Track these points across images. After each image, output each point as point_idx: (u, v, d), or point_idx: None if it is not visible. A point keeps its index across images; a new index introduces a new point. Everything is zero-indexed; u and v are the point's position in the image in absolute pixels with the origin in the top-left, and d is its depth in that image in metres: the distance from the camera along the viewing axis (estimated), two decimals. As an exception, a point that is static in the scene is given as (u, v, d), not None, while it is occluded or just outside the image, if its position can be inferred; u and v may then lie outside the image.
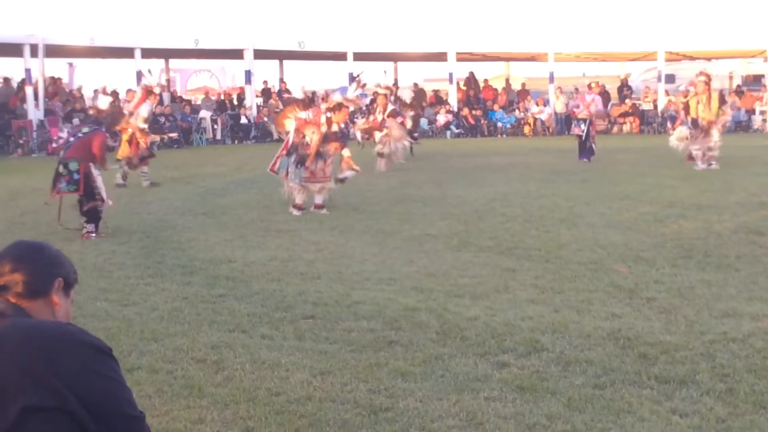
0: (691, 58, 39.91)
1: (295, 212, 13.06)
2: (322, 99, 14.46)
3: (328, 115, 13.48)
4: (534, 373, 5.66)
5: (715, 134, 19.00)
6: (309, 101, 14.13)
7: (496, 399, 5.24)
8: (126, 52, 32.10)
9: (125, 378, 2.55)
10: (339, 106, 13.69)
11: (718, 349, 6.04)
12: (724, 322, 6.74)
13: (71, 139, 11.88)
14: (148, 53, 33.00)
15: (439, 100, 37.08)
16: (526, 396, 5.27)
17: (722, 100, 20.07)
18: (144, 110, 17.55)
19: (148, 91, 17.93)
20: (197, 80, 44.61)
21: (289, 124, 13.68)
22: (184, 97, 38.13)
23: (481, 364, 5.85)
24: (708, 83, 19.27)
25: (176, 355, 6.25)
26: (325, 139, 13.45)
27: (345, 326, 6.85)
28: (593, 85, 23.28)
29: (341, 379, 5.63)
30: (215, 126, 33.00)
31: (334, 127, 13.63)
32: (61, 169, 11.44)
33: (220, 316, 7.26)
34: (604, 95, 31.90)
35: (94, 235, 11.36)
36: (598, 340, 6.33)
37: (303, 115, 13.51)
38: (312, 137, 13.29)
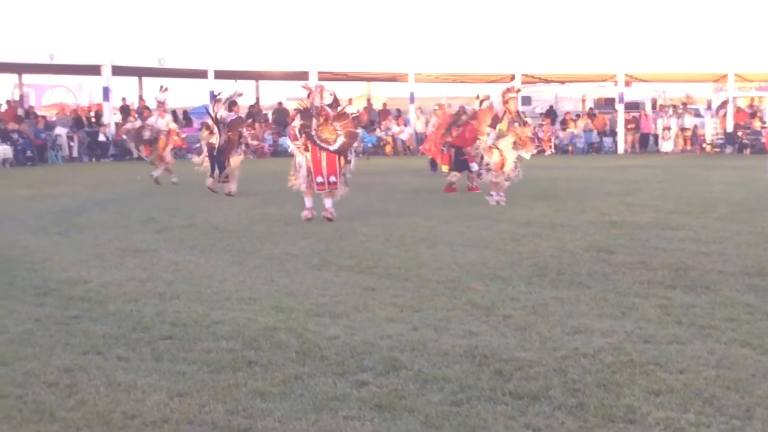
0: (546, 81, 41.18)
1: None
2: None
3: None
4: (392, 391, 5.70)
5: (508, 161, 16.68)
6: None
7: (355, 418, 5.25)
8: (-24, 66, 31.07)
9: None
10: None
11: (569, 364, 6.21)
12: (576, 338, 6.93)
13: None
14: (0, 67, 31.97)
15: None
16: (384, 414, 5.30)
17: (514, 120, 16.84)
18: None
19: None
20: (53, 96, 43.41)
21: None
22: (39, 112, 37.03)
23: (340, 384, 5.86)
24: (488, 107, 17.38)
25: (26, 379, 6.04)
26: None
27: (204, 347, 6.76)
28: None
29: (199, 401, 5.55)
30: (72, 143, 32.20)
31: None
32: None
33: (74, 338, 7.05)
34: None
35: None
36: (456, 357, 6.42)
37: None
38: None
